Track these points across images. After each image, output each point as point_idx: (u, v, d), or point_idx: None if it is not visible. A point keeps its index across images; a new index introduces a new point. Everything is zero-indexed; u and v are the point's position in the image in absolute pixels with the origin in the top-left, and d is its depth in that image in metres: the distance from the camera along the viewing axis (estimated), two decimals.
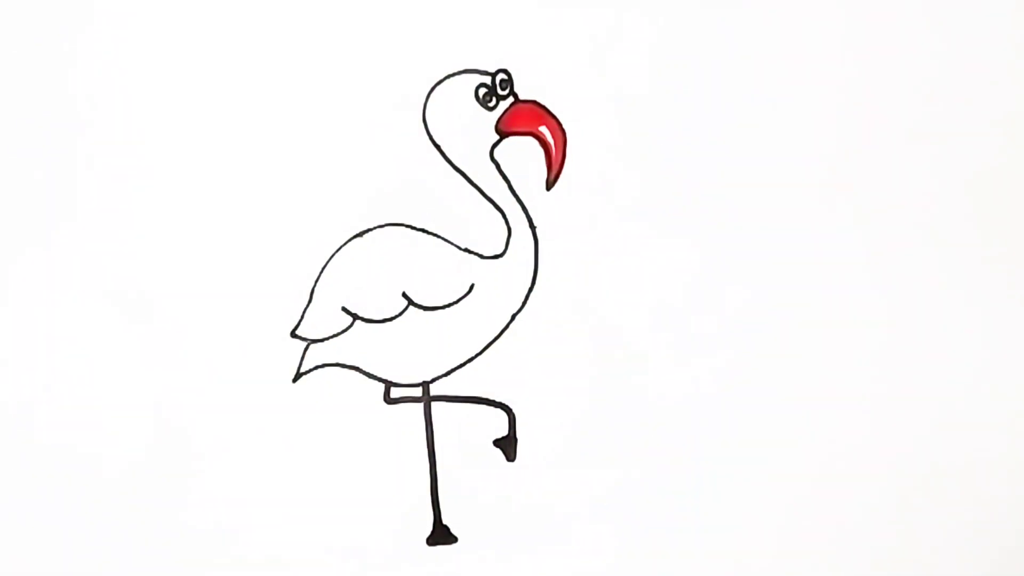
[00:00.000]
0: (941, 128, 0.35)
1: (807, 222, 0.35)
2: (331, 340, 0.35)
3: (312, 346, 0.35)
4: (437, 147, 0.35)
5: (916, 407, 0.35)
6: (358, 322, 0.35)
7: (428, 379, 0.35)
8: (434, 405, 0.35)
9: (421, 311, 0.35)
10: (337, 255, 0.35)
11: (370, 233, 0.35)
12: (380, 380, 0.35)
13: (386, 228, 0.35)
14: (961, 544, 0.36)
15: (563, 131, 0.35)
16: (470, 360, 0.35)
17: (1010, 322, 0.36)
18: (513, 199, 0.35)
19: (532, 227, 0.35)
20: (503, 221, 0.35)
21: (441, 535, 0.36)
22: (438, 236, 0.35)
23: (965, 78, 0.35)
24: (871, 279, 0.35)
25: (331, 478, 0.34)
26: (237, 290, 0.35)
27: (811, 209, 0.35)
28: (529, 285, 0.35)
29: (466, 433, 0.35)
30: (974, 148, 0.35)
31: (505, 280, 0.35)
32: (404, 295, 0.35)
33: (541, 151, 0.35)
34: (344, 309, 0.35)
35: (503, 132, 0.35)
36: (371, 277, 0.35)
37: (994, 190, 0.35)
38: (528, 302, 0.35)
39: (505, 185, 0.35)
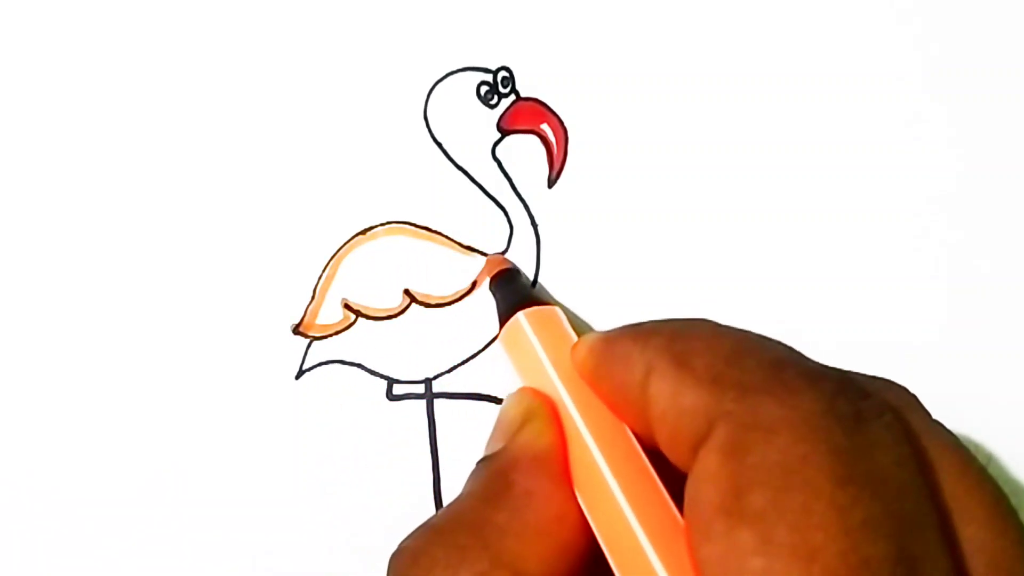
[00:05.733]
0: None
1: (813, 223, 0.35)
2: (333, 337, 0.35)
3: (315, 343, 0.35)
4: (438, 145, 0.35)
5: None
6: (360, 319, 0.35)
7: (431, 376, 0.35)
8: (436, 402, 0.35)
9: (423, 308, 0.35)
10: (340, 252, 0.35)
11: (373, 230, 0.35)
12: (382, 377, 0.35)
13: (388, 225, 0.35)
14: None
15: (565, 129, 0.35)
16: (473, 357, 0.35)
17: None
18: (515, 197, 0.35)
19: (534, 225, 0.35)
20: (505, 219, 0.35)
21: None
22: (440, 233, 0.35)
23: None
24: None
25: (332, 475, 0.34)
26: (240, 287, 0.35)
27: (817, 208, 0.35)
28: (531, 282, 0.35)
29: (469, 430, 0.35)
30: None
31: None
32: (407, 292, 0.35)
33: (543, 149, 0.35)
34: (347, 306, 0.35)
35: (505, 130, 0.35)
36: (374, 274, 0.35)
37: None
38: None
39: (507, 183, 0.35)
